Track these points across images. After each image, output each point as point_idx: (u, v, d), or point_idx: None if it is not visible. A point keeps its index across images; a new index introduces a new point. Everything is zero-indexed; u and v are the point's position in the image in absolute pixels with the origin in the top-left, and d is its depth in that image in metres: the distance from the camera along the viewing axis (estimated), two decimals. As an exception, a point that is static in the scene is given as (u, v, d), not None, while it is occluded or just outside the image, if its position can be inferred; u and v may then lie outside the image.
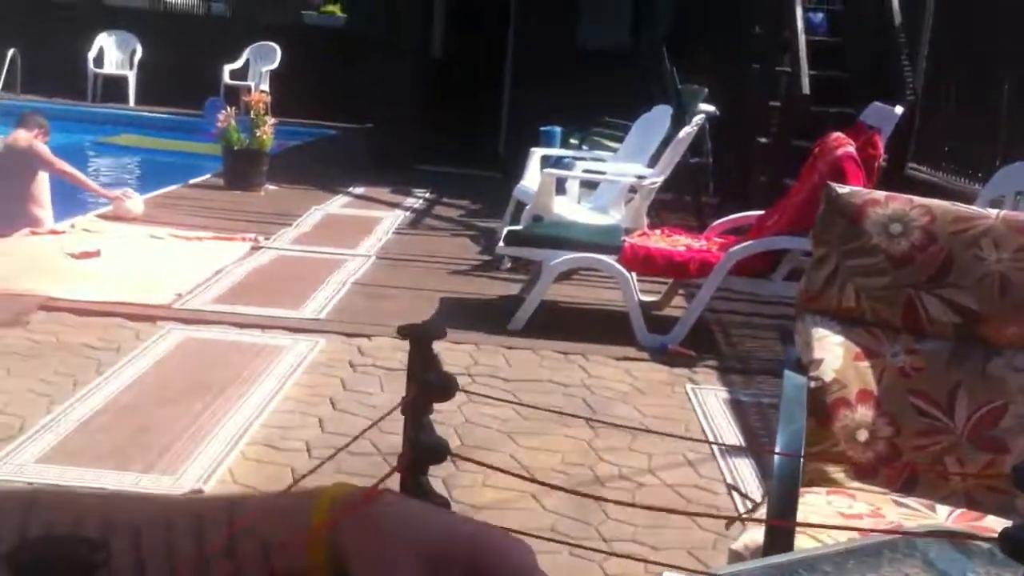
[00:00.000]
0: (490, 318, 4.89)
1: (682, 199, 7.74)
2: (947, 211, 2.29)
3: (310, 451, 3.34)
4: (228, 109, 7.92)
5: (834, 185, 2.39)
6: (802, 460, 2.00)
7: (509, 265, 5.96)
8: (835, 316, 2.31)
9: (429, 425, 0.81)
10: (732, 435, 3.78)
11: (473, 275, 5.96)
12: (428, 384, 0.81)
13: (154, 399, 3.68)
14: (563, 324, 4.91)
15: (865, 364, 2.25)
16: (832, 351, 2.26)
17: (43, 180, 6.45)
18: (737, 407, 4.06)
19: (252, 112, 7.90)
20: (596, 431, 3.63)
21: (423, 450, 0.80)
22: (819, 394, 2.20)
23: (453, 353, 4.24)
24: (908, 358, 2.25)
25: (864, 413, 2.21)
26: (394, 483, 0.76)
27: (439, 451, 0.79)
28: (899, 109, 4.95)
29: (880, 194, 2.37)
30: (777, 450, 2.04)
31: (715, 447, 3.58)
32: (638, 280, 5.04)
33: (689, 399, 4.09)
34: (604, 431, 3.60)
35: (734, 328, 5.23)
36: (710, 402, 4.07)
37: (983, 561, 1.21)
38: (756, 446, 3.58)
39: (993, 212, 2.28)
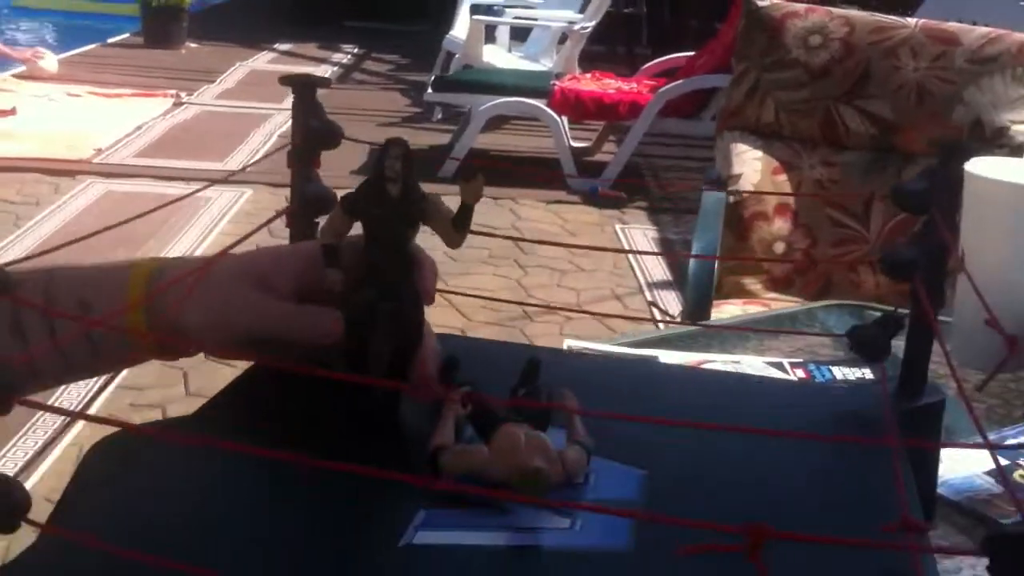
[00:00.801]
0: (420, 167, 4.79)
1: (615, 51, 7.64)
2: (866, 21, 2.27)
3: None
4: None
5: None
6: (716, 267, 2.03)
7: (440, 116, 5.88)
8: (754, 132, 2.30)
9: (316, 177, 0.80)
10: (660, 271, 3.81)
11: (403, 126, 5.87)
12: (312, 130, 0.79)
13: (75, 251, 3.60)
14: (494, 171, 4.87)
15: (783, 178, 2.26)
16: (751, 166, 2.26)
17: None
18: (666, 245, 4.10)
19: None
20: (525, 270, 3.64)
21: (309, 200, 0.79)
22: (737, 208, 2.22)
23: (382, 200, 4.20)
24: (825, 170, 2.26)
25: (781, 225, 2.23)
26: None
27: (326, 201, 0.78)
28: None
29: (800, 6, 2.34)
30: (692, 260, 2.06)
31: (642, 282, 3.61)
32: (570, 127, 5.00)
33: (618, 238, 4.11)
34: (533, 270, 3.61)
35: (664, 171, 5.24)
36: (639, 240, 4.10)
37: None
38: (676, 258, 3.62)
39: (912, 21, 2.27)
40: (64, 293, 0.66)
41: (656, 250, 4.02)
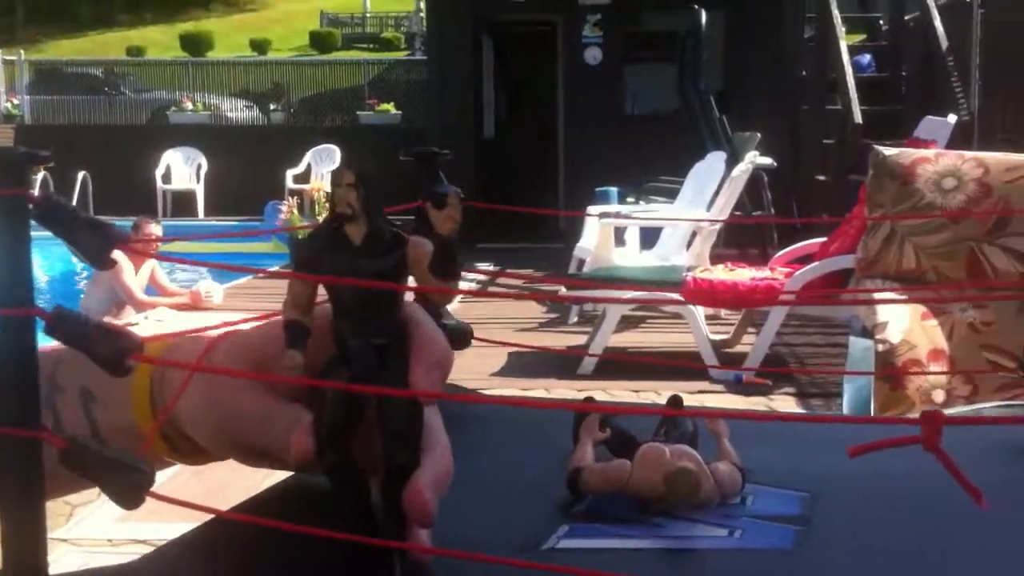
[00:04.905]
0: (559, 366, 4.85)
1: (747, 254, 7.67)
2: (1000, 161, 2.23)
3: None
4: (289, 200, 8.09)
5: (880, 148, 2.34)
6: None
7: (575, 319, 5.93)
8: (896, 278, 2.25)
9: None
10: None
11: (540, 331, 5.94)
12: (432, 194, 0.79)
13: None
14: (633, 366, 4.85)
15: (933, 322, 2.17)
16: (897, 312, 2.19)
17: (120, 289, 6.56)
18: (816, 426, 3.95)
19: (313, 202, 8.08)
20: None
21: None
22: (888, 356, 2.13)
23: (522, 398, 4.20)
24: (978, 313, 2.17)
25: (938, 372, 2.13)
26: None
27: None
28: (952, 118, 4.88)
29: (928, 152, 2.32)
30: (845, 411, 1.97)
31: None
32: (707, 322, 4.97)
33: (766, 422, 3.98)
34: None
35: (810, 359, 5.12)
36: (787, 423, 3.96)
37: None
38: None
39: (1049, 156, 2.22)
40: (68, 379, 0.58)
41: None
